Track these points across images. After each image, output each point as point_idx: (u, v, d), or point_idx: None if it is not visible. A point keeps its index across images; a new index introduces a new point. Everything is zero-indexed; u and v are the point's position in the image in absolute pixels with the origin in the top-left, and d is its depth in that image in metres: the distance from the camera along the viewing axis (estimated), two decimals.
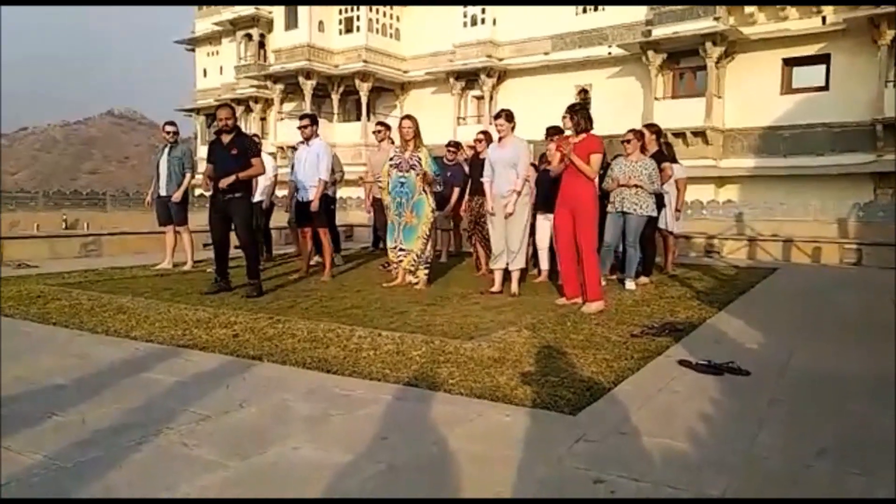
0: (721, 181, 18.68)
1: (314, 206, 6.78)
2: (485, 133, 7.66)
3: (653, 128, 7.37)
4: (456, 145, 8.81)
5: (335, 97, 25.85)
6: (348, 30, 25.64)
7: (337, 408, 2.76)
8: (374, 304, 5.38)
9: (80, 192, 13.26)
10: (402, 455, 2.27)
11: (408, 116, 6.48)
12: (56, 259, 9.00)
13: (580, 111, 5.49)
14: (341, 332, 4.16)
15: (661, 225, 7.81)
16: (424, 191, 6.28)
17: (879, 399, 2.96)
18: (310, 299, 5.58)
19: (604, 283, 6.35)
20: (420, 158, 6.24)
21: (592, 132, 5.44)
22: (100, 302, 5.25)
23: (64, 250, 9.53)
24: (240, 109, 29.36)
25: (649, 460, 2.23)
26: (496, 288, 6.05)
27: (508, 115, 5.97)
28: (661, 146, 7.44)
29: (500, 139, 6.01)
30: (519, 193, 5.84)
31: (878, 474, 2.12)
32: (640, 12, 19.78)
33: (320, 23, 25.54)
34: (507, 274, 6.09)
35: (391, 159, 6.44)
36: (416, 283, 6.35)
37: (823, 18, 17.27)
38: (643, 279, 6.97)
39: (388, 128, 8.00)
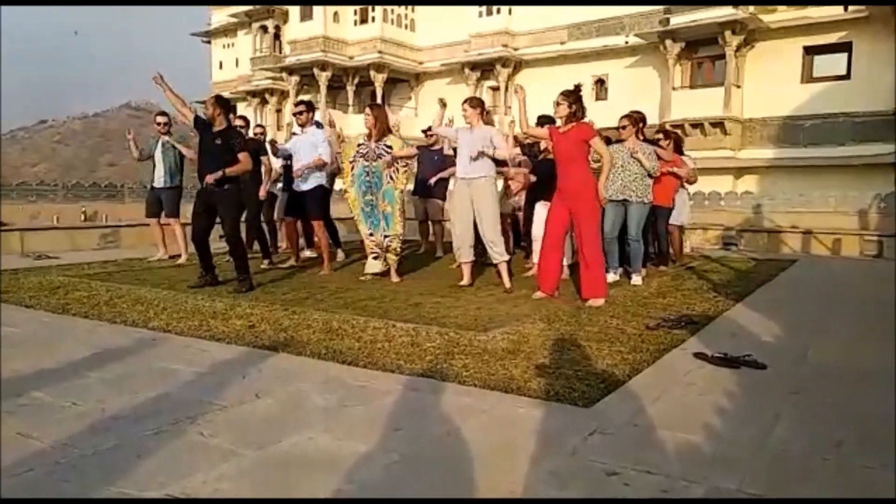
0: (739, 172, 18.48)
1: (302, 168, 6.60)
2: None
3: (636, 114, 7.25)
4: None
5: (350, 88, 25.89)
6: (363, 20, 25.65)
7: (352, 398, 2.78)
8: (389, 295, 5.39)
9: (98, 185, 13.45)
10: (415, 446, 2.28)
11: (370, 106, 6.34)
12: (76, 250, 9.13)
13: (578, 98, 5.19)
14: (356, 323, 4.18)
15: (673, 219, 7.74)
16: (392, 178, 6.03)
17: None
18: (325, 291, 5.61)
19: (615, 276, 6.30)
20: (391, 147, 6.01)
21: (584, 120, 5.24)
22: (118, 293, 5.32)
23: (83, 242, 9.66)
24: (255, 102, 29.51)
25: (664, 453, 2.22)
26: (465, 281, 5.82)
27: (473, 102, 5.74)
28: (638, 136, 7.29)
29: (469, 125, 5.75)
30: (524, 168, 5.70)
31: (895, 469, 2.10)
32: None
33: (335, 14, 25.56)
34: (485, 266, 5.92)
35: (358, 148, 6.17)
36: (386, 274, 6.20)
37: (845, 6, 16.94)
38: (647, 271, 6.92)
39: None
